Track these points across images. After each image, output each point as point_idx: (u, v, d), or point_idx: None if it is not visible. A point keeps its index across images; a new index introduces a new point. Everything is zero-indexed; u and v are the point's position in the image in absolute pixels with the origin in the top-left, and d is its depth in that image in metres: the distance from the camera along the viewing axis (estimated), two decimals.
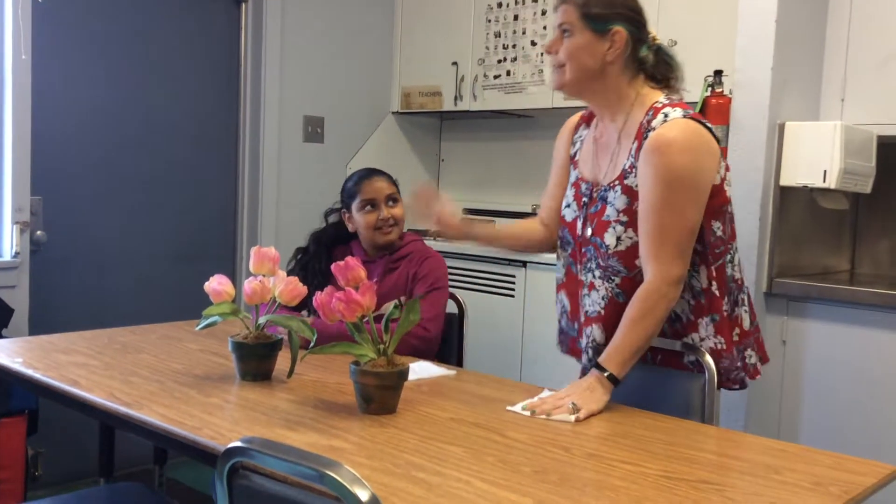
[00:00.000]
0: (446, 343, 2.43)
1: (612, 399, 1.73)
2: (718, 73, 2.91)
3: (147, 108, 3.55)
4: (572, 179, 1.98)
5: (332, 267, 1.68)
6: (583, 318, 1.91)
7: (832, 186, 2.64)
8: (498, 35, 3.88)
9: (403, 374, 1.61)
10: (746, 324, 1.91)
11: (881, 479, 1.36)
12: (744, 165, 2.73)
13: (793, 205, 2.80)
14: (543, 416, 1.62)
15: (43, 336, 2.24)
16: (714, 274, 1.83)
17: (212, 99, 3.78)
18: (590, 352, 1.87)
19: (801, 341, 2.71)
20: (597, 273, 1.86)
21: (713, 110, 2.87)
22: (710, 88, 2.90)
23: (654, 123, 1.78)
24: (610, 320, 1.82)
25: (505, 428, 1.54)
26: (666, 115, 1.78)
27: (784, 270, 2.78)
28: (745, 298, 1.93)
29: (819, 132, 2.66)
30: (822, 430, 2.66)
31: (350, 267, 1.65)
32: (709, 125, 1.79)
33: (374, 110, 4.26)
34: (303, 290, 1.86)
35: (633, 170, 1.80)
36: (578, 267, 1.92)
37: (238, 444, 1.13)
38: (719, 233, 1.83)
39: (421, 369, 1.94)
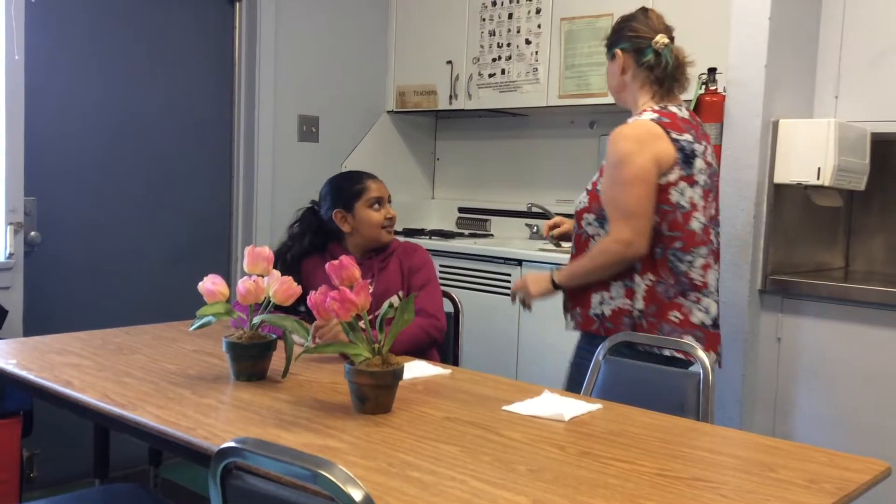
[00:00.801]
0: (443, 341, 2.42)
1: (608, 397, 1.76)
2: (712, 70, 2.92)
3: (141, 108, 3.54)
4: None
5: (327, 266, 1.67)
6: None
7: (826, 184, 2.65)
8: (492, 34, 3.88)
9: (398, 373, 1.61)
10: (696, 318, 2.16)
11: (875, 477, 1.36)
12: (738, 163, 2.74)
13: (787, 202, 2.81)
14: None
15: (37, 337, 2.23)
16: (657, 257, 2.15)
17: (206, 98, 3.77)
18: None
19: (795, 338, 2.72)
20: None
21: (707, 108, 2.87)
22: (703, 86, 2.91)
23: (627, 121, 2.20)
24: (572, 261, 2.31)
25: (500, 427, 1.54)
26: (640, 115, 2.18)
27: (778, 268, 2.78)
28: (704, 300, 2.17)
29: (813, 129, 2.66)
30: (817, 427, 2.67)
31: (344, 266, 1.65)
32: (673, 134, 2.13)
33: (369, 109, 4.26)
34: (297, 289, 1.86)
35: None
36: None
37: (231, 444, 1.12)
38: (664, 228, 2.14)
39: (416, 368, 1.94)
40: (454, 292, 2.63)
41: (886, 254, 3.13)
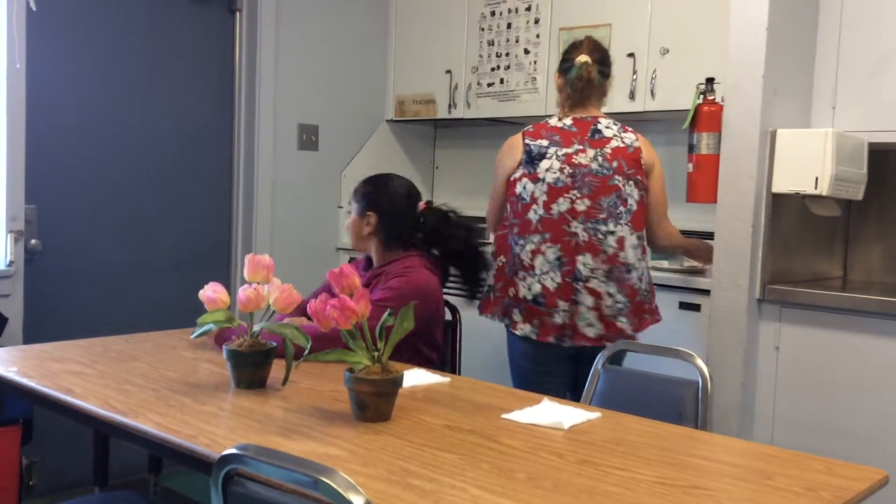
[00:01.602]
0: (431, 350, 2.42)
1: (607, 405, 1.78)
2: (710, 80, 2.93)
3: (142, 117, 3.55)
4: None
5: (328, 274, 1.69)
6: None
7: (824, 193, 2.66)
8: (491, 43, 3.90)
9: (398, 381, 1.62)
10: (521, 293, 2.56)
11: (872, 485, 1.37)
12: (736, 172, 2.75)
13: (785, 211, 2.82)
14: None
15: (37, 345, 2.24)
16: (504, 239, 2.65)
17: (206, 107, 3.79)
18: None
19: (793, 347, 2.73)
20: None
21: (705, 118, 2.89)
22: (702, 96, 2.92)
23: None
24: None
25: (499, 435, 1.55)
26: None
27: (776, 277, 2.79)
28: (532, 281, 2.55)
29: (810, 139, 2.68)
30: (815, 436, 2.67)
31: (344, 274, 1.66)
32: (528, 140, 2.61)
33: (368, 118, 4.28)
34: (297, 297, 1.86)
35: None
36: None
37: (233, 451, 1.13)
38: (507, 213, 2.65)
39: (416, 376, 1.95)
40: (453, 300, 2.63)
41: (884, 263, 3.14)
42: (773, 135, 2.74)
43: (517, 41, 3.80)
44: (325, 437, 1.50)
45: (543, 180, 2.55)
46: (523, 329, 2.56)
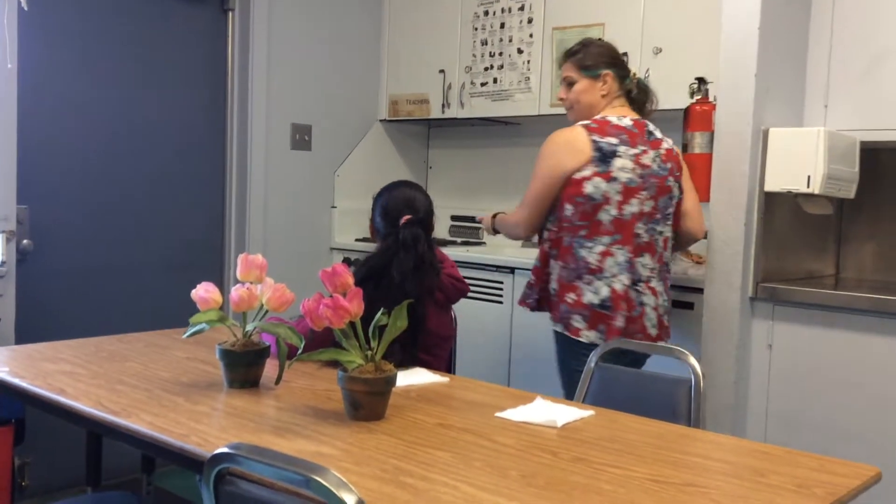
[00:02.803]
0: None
1: (600, 403, 1.78)
2: (702, 80, 2.94)
3: (134, 117, 3.54)
4: None
5: (320, 274, 1.68)
6: None
7: (816, 192, 2.67)
8: (485, 43, 3.90)
9: (391, 380, 1.62)
10: (587, 298, 2.45)
11: (865, 482, 1.37)
12: (728, 171, 2.76)
13: (777, 210, 2.82)
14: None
15: (30, 345, 2.23)
16: (560, 243, 2.50)
17: (199, 107, 3.78)
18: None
19: (786, 345, 2.73)
20: None
21: (697, 117, 2.89)
22: (694, 95, 2.93)
23: None
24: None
25: (493, 433, 1.55)
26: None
27: (769, 275, 2.80)
28: (600, 285, 2.44)
29: (803, 138, 2.68)
30: (808, 433, 2.68)
31: (337, 273, 1.66)
32: (595, 137, 2.46)
33: (361, 118, 4.27)
34: (291, 296, 1.86)
35: None
36: None
37: (224, 450, 1.13)
38: (569, 214, 2.47)
39: (410, 376, 1.95)
40: None
41: (876, 261, 3.15)
42: (766, 134, 2.75)
43: (510, 41, 3.80)
44: (318, 435, 1.50)
45: (617, 179, 2.44)
46: (588, 336, 2.42)
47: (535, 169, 2.55)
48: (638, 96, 2.62)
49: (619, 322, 2.44)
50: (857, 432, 2.57)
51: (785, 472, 1.40)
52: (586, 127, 2.49)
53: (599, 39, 2.76)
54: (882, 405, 2.55)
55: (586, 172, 2.44)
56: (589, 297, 2.45)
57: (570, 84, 2.60)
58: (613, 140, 2.47)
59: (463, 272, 3.58)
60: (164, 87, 3.63)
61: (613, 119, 2.52)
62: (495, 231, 2.85)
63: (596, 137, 2.46)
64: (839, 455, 1.50)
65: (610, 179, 2.43)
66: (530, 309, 2.63)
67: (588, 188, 2.44)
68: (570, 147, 2.47)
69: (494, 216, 2.84)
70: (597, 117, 2.54)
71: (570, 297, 2.47)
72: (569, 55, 2.62)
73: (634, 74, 2.64)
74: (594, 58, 2.57)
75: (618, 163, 2.44)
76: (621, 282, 2.45)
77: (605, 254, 2.45)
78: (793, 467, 1.42)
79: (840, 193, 2.79)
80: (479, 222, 2.96)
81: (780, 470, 1.40)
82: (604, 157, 2.44)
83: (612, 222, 2.45)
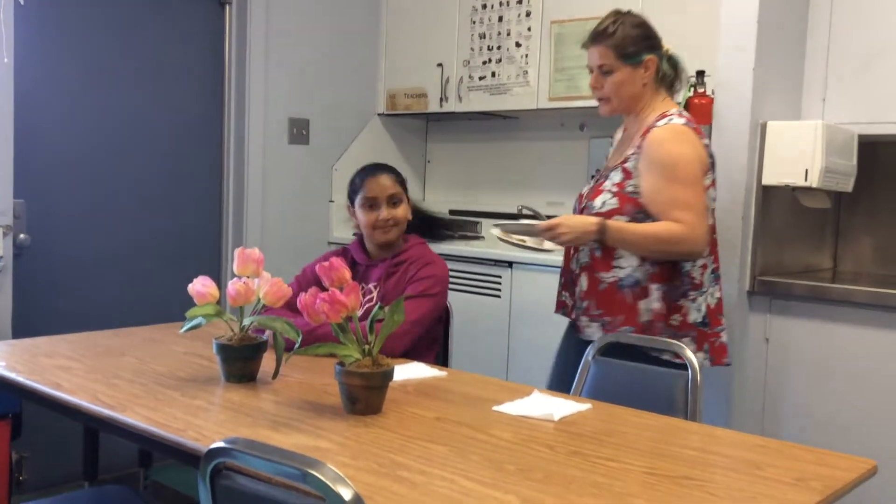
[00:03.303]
0: (432, 352, 2.41)
1: (597, 397, 1.78)
2: (701, 73, 2.93)
3: (131, 111, 3.53)
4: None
5: (317, 268, 1.68)
6: (577, 270, 2.30)
7: (814, 185, 2.67)
8: (483, 36, 3.89)
9: (388, 374, 1.62)
10: (692, 317, 2.21)
11: (862, 475, 1.37)
12: (726, 165, 2.75)
13: (775, 204, 2.82)
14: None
15: (26, 339, 2.23)
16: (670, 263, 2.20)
17: (196, 101, 3.77)
18: (577, 300, 2.28)
19: (783, 339, 2.74)
20: None
21: (696, 111, 2.89)
22: (692, 89, 2.92)
23: (660, 122, 2.21)
24: (591, 269, 2.23)
25: (490, 427, 1.55)
26: (670, 120, 2.21)
27: (767, 269, 2.80)
28: (699, 298, 2.22)
29: (801, 131, 2.68)
30: (805, 426, 2.69)
31: (334, 268, 1.65)
32: (705, 140, 2.24)
33: (359, 112, 4.26)
34: (287, 291, 1.86)
35: (633, 157, 2.22)
36: None
37: (221, 444, 1.12)
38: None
39: (407, 370, 1.95)
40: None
41: (874, 254, 3.15)
42: (764, 127, 2.74)
43: (509, 34, 3.79)
44: (315, 430, 1.50)
45: (715, 188, 2.30)
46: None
47: (680, 173, 2.14)
48: (668, 73, 2.31)
49: (724, 338, 2.27)
50: (855, 425, 2.58)
51: (782, 465, 1.40)
52: (694, 129, 2.22)
53: (629, 12, 2.31)
54: (879, 398, 2.55)
55: (708, 180, 2.22)
56: (693, 316, 2.21)
57: (606, 73, 2.24)
58: (707, 141, 2.27)
59: (461, 266, 3.60)
60: (161, 81, 3.62)
61: (686, 117, 2.25)
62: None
63: (706, 141, 2.25)
64: (836, 448, 1.50)
65: (715, 188, 2.28)
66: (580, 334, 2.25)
67: (710, 196, 2.22)
68: (698, 145, 2.19)
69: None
70: (681, 114, 2.23)
71: (676, 318, 2.20)
72: (603, 36, 2.22)
73: (667, 50, 2.31)
74: (636, 41, 2.22)
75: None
76: (713, 296, 2.27)
77: (704, 267, 2.23)
78: (790, 460, 1.42)
79: (838, 187, 2.79)
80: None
81: (777, 463, 1.40)
82: (713, 163, 2.26)
83: (707, 232, 2.21)
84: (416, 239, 2.42)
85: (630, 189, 2.18)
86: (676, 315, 2.19)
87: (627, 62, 2.21)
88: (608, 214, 2.18)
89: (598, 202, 2.22)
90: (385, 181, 2.38)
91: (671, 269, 2.19)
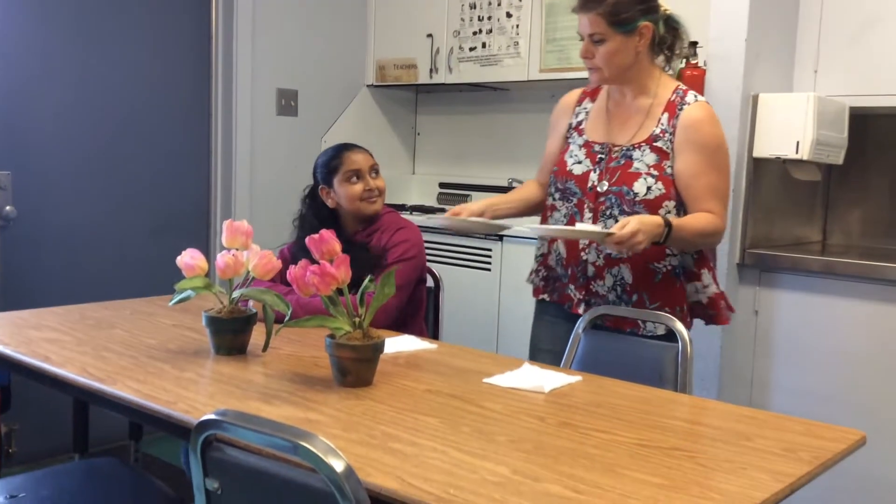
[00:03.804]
0: (418, 316, 2.42)
1: (587, 369, 1.79)
2: (693, 44, 2.91)
3: (117, 82, 3.49)
4: (580, 143, 2.21)
5: (307, 240, 1.67)
6: (601, 262, 2.11)
7: (805, 157, 2.66)
8: (473, 6, 3.85)
9: (379, 346, 1.61)
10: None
11: (850, 445, 1.39)
12: None
13: (766, 176, 2.82)
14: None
15: (14, 312, 2.21)
16: None
17: (183, 72, 3.72)
18: (618, 289, 2.11)
19: (772, 311, 2.75)
20: (621, 218, 2.01)
21: (688, 82, 2.86)
22: (684, 60, 2.90)
23: (687, 99, 2.10)
24: (636, 261, 2.07)
25: (481, 399, 1.55)
26: (696, 97, 2.11)
27: (756, 241, 2.80)
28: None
29: (792, 103, 2.68)
30: (793, 398, 2.71)
31: (324, 240, 1.64)
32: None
33: (348, 83, 4.23)
34: (277, 264, 1.85)
35: (665, 135, 2.08)
36: (590, 214, 2.12)
37: (212, 416, 1.12)
38: None
39: (398, 343, 1.94)
40: (435, 267, 2.63)
41: (863, 227, 3.16)
42: (755, 99, 2.73)
43: (499, 4, 3.75)
44: (306, 402, 1.50)
45: None
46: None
47: (719, 159, 2.09)
48: (666, 38, 2.11)
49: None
50: (843, 397, 2.60)
51: (771, 436, 1.40)
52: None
53: None
54: (868, 370, 2.57)
55: None
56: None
57: (597, 41, 2.06)
58: None
59: (451, 240, 3.59)
60: (148, 52, 3.57)
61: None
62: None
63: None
64: (825, 420, 1.51)
65: None
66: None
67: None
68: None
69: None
70: (684, 89, 2.13)
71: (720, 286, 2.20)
72: (594, 2, 2.04)
73: (665, 10, 2.10)
74: (629, 7, 2.02)
75: None
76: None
77: None
78: (779, 431, 1.43)
79: (828, 159, 2.79)
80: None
81: (767, 434, 1.41)
82: None
83: None
84: (385, 208, 2.46)
85: (669, 171, 2.06)
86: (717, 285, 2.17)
87: (620, 30, 2.03)
88: (658, 201, 2.04)
89: (639, 188, 2.05)
90: (362, 154, 2.44)
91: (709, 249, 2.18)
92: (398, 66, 4.15)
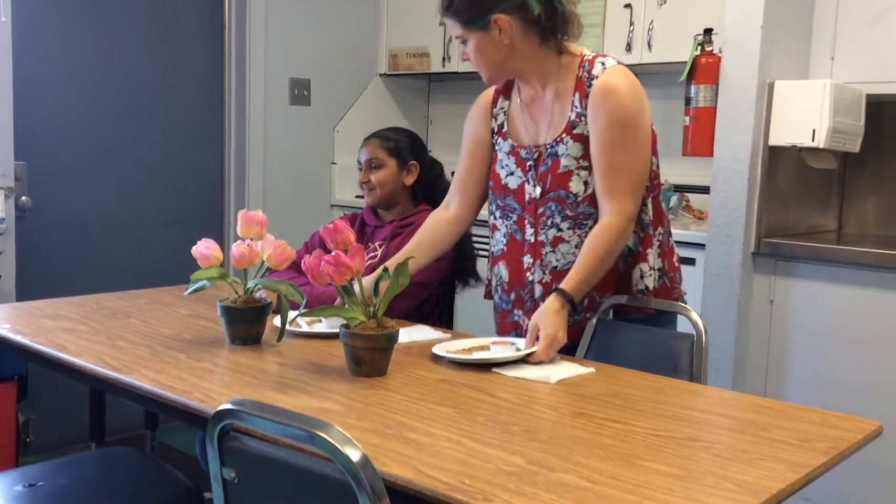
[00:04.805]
0: (436, 306, 2.42)
1: (600, 359, 1.79)
2: (708, 31, 2.89)
3: (131, 73, 3.50)
4: (506, 149, 2.00)
5: (321, 230, 1.67)
6: (547, 277, 1.93)
7: (821, 145, 2.64)
8: None
9: (393, 336, 1.62)
10: (676, 252, 2.03)
11: (866, 436, 1.38)
12: (733, 125, 2.73)
13: (781, 164, 2.80)
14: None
15: (30, 302, 2.23)
16: (657, 205, 1.95)
17: (196, 62, 3.73)
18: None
19: (788, 300, 2.73)
20: (564, 226, 1.90)
21: (703, 69, 2.85)
22: (699, 47, 2.88)
23: (594, 72, 1.87)
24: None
25: (494, 388, 1.55)
26: (603, 64, 1.87)
27: (772, 230, 2.79)
28: (669, 232, 2.03)
29: (808, 91, 2.65)
30: (809, 387, 2.70)
31: (339, 230, 1.64)
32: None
33: (361, 72, 4.22)
34: (291, 253, 1.85)
35: (582, 119, 1.87)
36: (531, 230, 1.94)
37: (228, 406, 1.13)
38: (655, 168, 1.94)
39: (412, 332, 1.95)
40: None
41: (879, 216, 3.14)
42: (771, 87, 2.71)
43: None
44: (321, 391, 1.50)
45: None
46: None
47: (632, 138, 1.83)
48: (552, 21, 1.85)
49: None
50: (859, 386, 2.59)
51: (787, 426, 1.40)
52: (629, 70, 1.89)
53: None
54: (884, 360, 2.56)
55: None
56: (675, 255, 2.03)
57: (463, 43, 1.93)
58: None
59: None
60: (162, 42, 3.58)
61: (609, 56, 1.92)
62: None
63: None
64: (841, 409, 1.50)
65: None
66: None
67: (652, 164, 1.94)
68: (644, 93, 1.88)
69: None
70: (592, 52, 1.92)
71: (675, 259, 2.02)
72: (443, 6, 1.90)
73: None
74: (472, 2, 1.84)
75: None
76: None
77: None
78: (794, 421, 1.43)
79: (845, 147, 2.77)
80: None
81: (782, 424, 1.41)
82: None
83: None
84: (425, 206, 2.44)
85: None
86: (674, 257, 1.99)
87: (474, 27, 1.86)
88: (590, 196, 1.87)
89: (575, 186, 1.87)
90: (371, 145, 2.43)
91: (662, 213, 1.97)
92: (410, 54, 4.14)
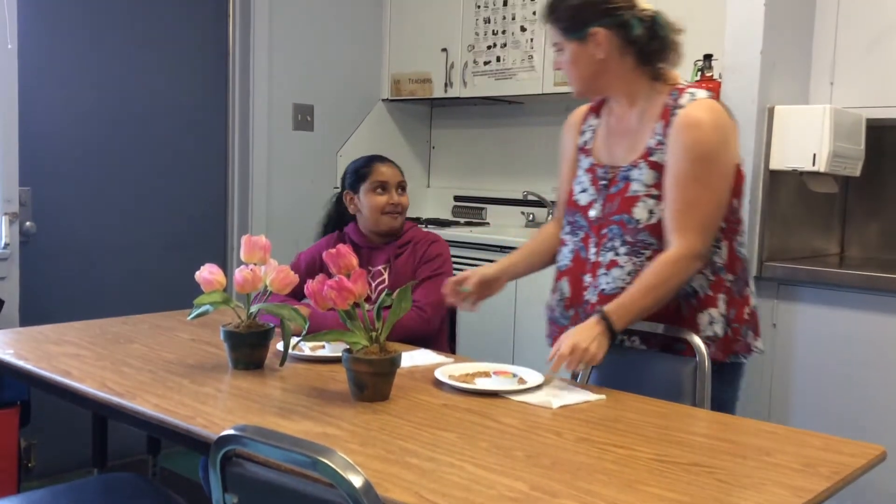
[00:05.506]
0: (441, 329, 2.42)
1: (603, 383, 1.78)
2: (708, 57, 2.91)
3: (135, 98, 3.53)
4: (585, 166, 2.01)
5: (324, 255, 1.68)
6: (595, 299, 1.90)
7: (822, 170, 2.65)
8: (487, 21, 3.87)
9: (396, 361, 1.62)
10: (754, 302, 1.97)
11: (870, 461, 1.37)
12: None
13: (782, 188, 2.81)
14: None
15: (34, 327, 2.23)
16: (731, 251, 1.89)
17: (200, 87, 3.76)
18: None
19: (790, 324, 2.73)
20: (622, 250, 1.87)
21: None
22: (699, 73, 2.90)
23: (681, 101, 1.85)
24: None
25: (498, 413, 1.55)
26: (693, 95, 1.86)
27: (774, 254, 2.79)
28: (750, 279, 1.99)
29: (808, 116, 2.67)
30: (812, 412, 2.68)
31: (342, 254, 1.65)
32: (728, 108, 1.89)
33: (364, 97, 4.25)
34: (294, 278, 1.86)
35: (661, 147, 1.85)
36: (594, 249, 1.93)
37: (231, 431, 1.13)
38: (735, 209, 1.90)
39: (414, 357, 1.95)
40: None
41: (881, 239, 3.14)
42: (771, 111, 2.73)
43: (513, 18, 3.77)
44: (324, 416, 1.50)
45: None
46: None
47: (708, 173, 1.79)
48: (651, 45, 1.86)
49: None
50: (862, 411, 2.58)
51: (790, 451, 1.39)
52: (715, 98, 1.89)
53: None
54: (887, 384, 2.55)
55: (740, 153, 1.93)
56: (754, 302, 1.97)
57: (558, 51, 1.95)
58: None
59: (466, 253, 3.59)
60: (166, 67, 3.61)
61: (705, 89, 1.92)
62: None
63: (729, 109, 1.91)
64: (844, 434, 1.50)
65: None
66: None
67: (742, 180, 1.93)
68: (734, 129, 1.86)
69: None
70: (688, 82, 1.93)
71: (746, 311, 1.93)
72: (547, 12, 1.94)
73: (644, 12, 1.86)
74: (576, 12, 1.87)
75: None
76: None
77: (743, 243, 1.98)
78: (798, 446, 1.42)
79: (845, 171, 2.78)
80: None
81: (786, 449, 1.40)
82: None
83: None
84: (409, 223, 2.49)
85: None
86: (746, 308, 1.92)
87: (572, 37, 1.88)
88: (661, 224, 1.83)
89: (640, 213, 1.85)
90: (393, 168, 2.48)
91: (736, 259, 1.91)
92: (413, 80, 4.18)
